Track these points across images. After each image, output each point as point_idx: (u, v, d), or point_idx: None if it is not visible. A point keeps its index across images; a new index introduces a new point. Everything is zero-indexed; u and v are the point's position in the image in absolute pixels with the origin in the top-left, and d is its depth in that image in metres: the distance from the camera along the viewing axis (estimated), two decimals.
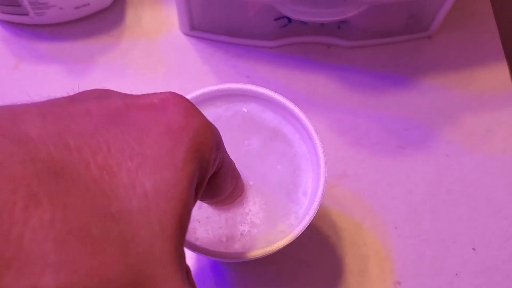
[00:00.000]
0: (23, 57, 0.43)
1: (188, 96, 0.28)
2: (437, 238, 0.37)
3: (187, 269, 0.16)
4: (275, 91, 0.42)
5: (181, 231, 0.15)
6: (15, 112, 0.13)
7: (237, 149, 0.29)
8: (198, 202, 0.27)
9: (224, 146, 0.20)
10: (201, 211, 0.27)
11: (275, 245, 0.25)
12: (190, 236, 0.26)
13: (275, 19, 0.40)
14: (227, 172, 0.21)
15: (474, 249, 0.37)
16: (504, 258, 0.36)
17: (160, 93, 0.17)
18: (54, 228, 0.11)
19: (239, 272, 0.35)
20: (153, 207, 0.14)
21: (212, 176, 0.19)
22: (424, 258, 0.36)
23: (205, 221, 0.27)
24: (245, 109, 0.30)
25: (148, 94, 0.17)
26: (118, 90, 0.18)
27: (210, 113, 0.30)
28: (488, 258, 0.36)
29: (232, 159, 0.28)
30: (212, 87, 0.29)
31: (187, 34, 0.44)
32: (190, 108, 0.17)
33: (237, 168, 0.27)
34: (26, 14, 0.42)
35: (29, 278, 0.11)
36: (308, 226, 0.36)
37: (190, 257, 0.35)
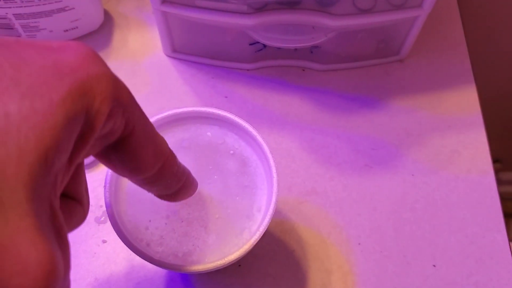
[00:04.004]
0: None
1: (156, 117, 0.31)
2: (399, 254, 0.39)
3: (54, 214, 0.15)
4: (252, 110, 0.44)
5: (44, 167, 0.14)
6: None
7: (199, 169, 0.31)
8: (157, 214, 0.29)
9: (140, 111, 0.19)
10: (157, 225, 0.29)
11: (226, 259, 0.27)
12: (146, 249, 0.28)
13: (250, 44, 0.42)
14: (144, 141, 0.19)
15: (434, 265, 0.38)
16: (463, 275, 0.38)
17: (66, 40, 0.17)
18: None
19: (208, 285, 0.37)
20: (13, 130, 0.13)
21: (123, 141, 0.18)
22: (386, 273, 0.38)
23: (160, 235, 0.29)
24: (209, 134, 0.32)
25: (50, 40, 0.16)
26: None
27: (177, 135, 0.32)
28: (448, 275, 0.38)
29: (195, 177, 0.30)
30: (178, 110, 0.31)
31: (169, 56, 0.46)
32: (92, 56, 0.16)
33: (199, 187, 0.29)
34: (18, 36, 0.45)
35: None
36: (274, 240, 0.38)
37: (158, 269, 0.37)
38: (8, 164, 0.13)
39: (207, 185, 0.30)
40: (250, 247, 0.27)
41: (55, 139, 0.14)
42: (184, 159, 0.31)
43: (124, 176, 0.21)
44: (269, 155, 0.30)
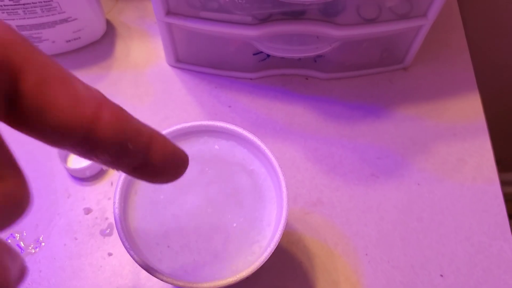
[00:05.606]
0: None
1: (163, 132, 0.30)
2: (406, 264, 0.38)
3: None
4: (256, 120, 0.44)
5: None
6: None
7: (208, 183, 0.31)
8: (167, 230, 0.29)
9: (36, 53, 0.16)
10: (166, 241, 0.29)
11: (237, 276, 0.27)
12: (156, 264, 0.28)
13: (254, 54, 0.42)
14: (51, 83, 0.16)
15: (442, 275, 0.38)
16: (471, 284, 0.38)
17: None
18: None
19: None
20: None
21: (22, 91, 0.16)
22: (394, 283, 0.38)
23: (169, 250, 0.29)
24: (217, 147, 0.32)
25: None
26: None
27: (184, 149, 0.32)
28: (455, 285, 0.38)
29: (203, 192, 0.30)
30: (185, 124, 0.31)
31: (173, 66, 0.46)
32: None
33: (207, 204, 0.29)
34: None
35: None
36: (281, 252, 0.38)
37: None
38: None
39: (216, 198, 0.30)
40: (262, 263, 0.27)
41: None
42: (192, 173, 0.31)
43: (46, 141, 0.17)
44: (278, 169, 0.29)
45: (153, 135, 0.19)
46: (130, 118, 0.18)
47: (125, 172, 0.19)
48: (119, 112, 0.17)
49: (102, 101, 0.17)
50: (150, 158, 0.19)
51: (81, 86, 0.17)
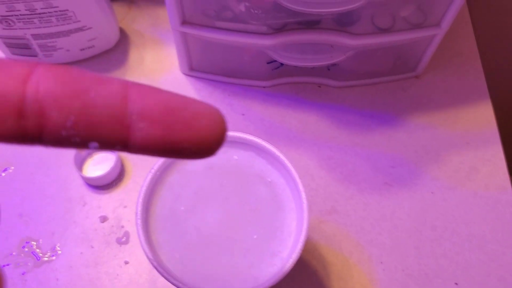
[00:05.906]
0: None
1: None
2: (420, 272, 0.39)
3: None
4: (269, 128, 0.44)
5: None
6: None
7: (228, 195, 0.31)
8: (188, 240, 0.29)
9: None
10: (187, 252, 0.29)
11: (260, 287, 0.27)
12: (177, 274, 0.28)
13: (268, 63, 0.43)
14: None
15: (456, 283, 0.38)
16: None
17: None
18: None
19: None
20: None
21: None
22: None
23: (190, 261, 0.29)
24: (235, 157, 0.32)
25: None
26: None
27: (204, 160, 0.32)
28: None
29: (224, 204, 0.31)
30: None
31: (186, 74, 0.46)
32: None
33: (222, 212, 0.29)
34: (35, 55, 0.45)
35: None
36: (296, 261, 0.38)
37: None
38: None
39: (236, 210, 0.30)
40: (285, 275, 0.27)
41: None
42: (212, 184, 0.31)
43: None
44: (298, 181, 0.30)
45: (128, 84, 0.14)
46: (80, 69, 0.14)
47: (122, 144, 0.14)
48: (61, 65, 0.14)
49: (36, 63, 0.14)
50: (138, 107, 0.14)
51: (6, 58, 0.14)
